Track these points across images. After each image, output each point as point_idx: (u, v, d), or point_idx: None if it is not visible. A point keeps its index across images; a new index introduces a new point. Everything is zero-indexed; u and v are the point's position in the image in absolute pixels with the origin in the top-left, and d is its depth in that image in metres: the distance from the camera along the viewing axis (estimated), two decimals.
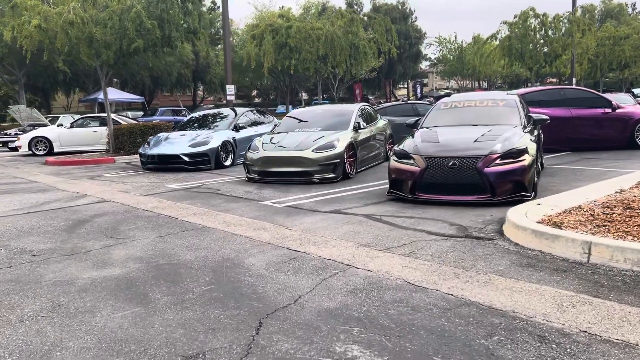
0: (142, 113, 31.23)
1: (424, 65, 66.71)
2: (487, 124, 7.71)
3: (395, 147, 7.46)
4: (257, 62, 25.54)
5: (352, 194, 7.90)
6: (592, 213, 5.15)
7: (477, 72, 53.26)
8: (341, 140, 9.37)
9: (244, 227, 5.88)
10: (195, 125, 13.20)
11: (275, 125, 11.23)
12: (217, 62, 43.92)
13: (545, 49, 27.06)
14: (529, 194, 6.59)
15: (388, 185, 7.42)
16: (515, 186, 6.55)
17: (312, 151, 9.06)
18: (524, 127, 7.54)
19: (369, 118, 11.41)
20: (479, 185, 6.55)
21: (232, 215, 6.56)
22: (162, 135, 12.42)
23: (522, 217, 5.18)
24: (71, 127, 18.04)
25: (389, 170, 7.31)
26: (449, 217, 6.00)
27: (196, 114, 14.25)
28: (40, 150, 17.48)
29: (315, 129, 10.08)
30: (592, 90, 13.47)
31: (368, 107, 11.95)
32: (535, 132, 7.86)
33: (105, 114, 16.82)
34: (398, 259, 4.49)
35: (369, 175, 9.69)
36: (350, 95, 46.11)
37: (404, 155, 7.10)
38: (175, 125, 13.95)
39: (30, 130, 19.57)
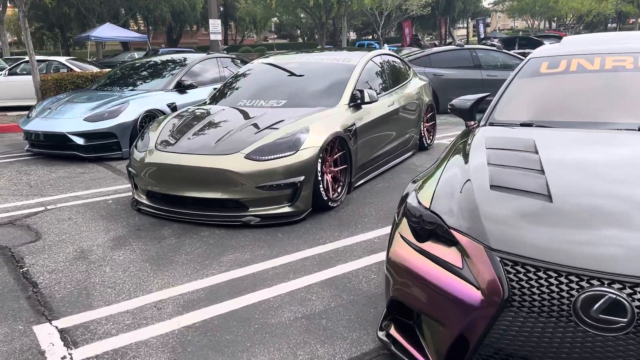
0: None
1: (486, 2, 58.50)
2: None
3: (409, 198, 2.48)
4: None
5: (302, 289, 3.16)
6: None
7: (551, 9, 45.23)
8: (315, 131, 4.48)
9: None
10: (130, 79, 8.52)
11: (214, 90, 6.22)
12: None
13: None
14: None
15: (383, 312, 2.60)
16: None
17: (247, 157, 4.27)
18: None
19: (390, 78, 6.39)
20: None
21: None
22: (61, 97, 7.77)
23: None
24: (10, 74, 13.51)
25: (386, 274, 2.41)
26: None
27: (144, 61, 9.44)
28: None
29: (276, 102, 5.22)
30: None
31: (391, 57, 6.81)
32: None
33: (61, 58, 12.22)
34: None
35: (380, 195, 4.85)
36: (402, 35, 39.64)
37: (429, 231, 2.21)
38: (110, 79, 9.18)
39: None
